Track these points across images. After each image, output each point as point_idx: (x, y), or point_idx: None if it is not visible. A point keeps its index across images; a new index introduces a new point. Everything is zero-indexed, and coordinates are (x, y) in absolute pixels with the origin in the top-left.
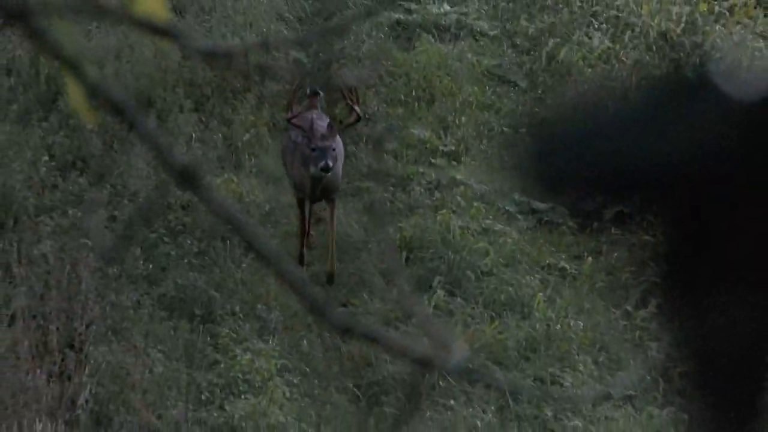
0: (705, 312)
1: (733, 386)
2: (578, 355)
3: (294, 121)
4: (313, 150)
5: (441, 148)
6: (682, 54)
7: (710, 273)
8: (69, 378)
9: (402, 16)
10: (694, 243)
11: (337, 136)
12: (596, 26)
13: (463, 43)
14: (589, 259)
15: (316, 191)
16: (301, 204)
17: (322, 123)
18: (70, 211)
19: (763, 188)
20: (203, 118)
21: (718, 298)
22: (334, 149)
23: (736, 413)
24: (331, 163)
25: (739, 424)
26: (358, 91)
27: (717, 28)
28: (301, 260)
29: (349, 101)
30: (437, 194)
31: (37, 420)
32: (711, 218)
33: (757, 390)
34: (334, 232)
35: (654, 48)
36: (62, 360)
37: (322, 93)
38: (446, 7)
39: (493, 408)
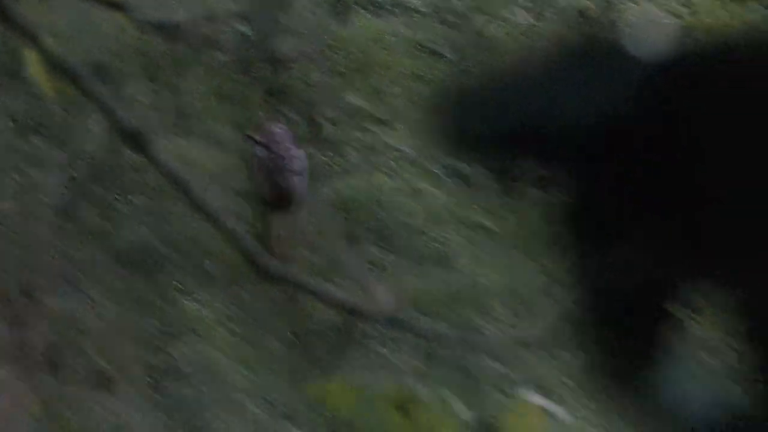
0: (607, 262)
1: (629, 331)
2: (498, 305)
3: (252, 135)
4: (282, 160)
5: (375, 115)
6: (598, 30)
7: (614, 227)
8: (25, 325)
9: None
10: (602, 199)
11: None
12: (521, 4)
13: (397, 19)
14: (510, 217)
15: (282, 201)
16: (266, 215)
17: (282, 134)
18: (31, 172)
19: (667, 145)
20: (155, 88)
21: (619, 249)
22: (296, 159)
23: (633, 357)
24: (300, 177)
25: (636, 367)
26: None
27: (632, 6)
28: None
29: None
30: (371, 158)
31: None
32: (618, 174)
33: (653, 334)
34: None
35: (573, 25)
36: (19, 308)
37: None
38: None
39: (420, 355)
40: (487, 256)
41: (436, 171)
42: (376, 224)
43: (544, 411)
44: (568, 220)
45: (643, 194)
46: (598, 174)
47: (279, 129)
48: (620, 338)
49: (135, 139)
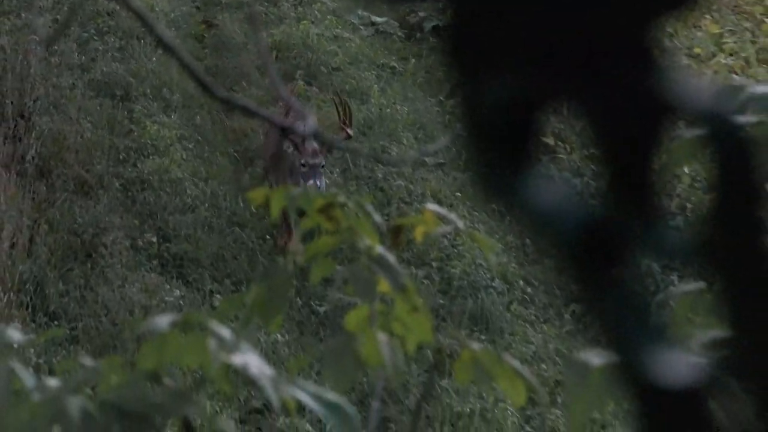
0: (482, 88)
1: (504, 147)
2: (402, 132)
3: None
4: (303, 166)
5: None
6: None
7: (488, 58)
8: (20, 140)
9: None
10: (476, 32)
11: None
12: None
13: None
14: (413, 60)
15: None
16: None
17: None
18: (23, 15)
19: None
20: None
21: (492, 77)
22: (323, 166)
23: (507, 169)
24: (319, 183)
25: (509, 178)
26: (349, 106)
27: None
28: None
29: (342, 123)
30: (300, 8)
31: None
32: (490, 13)
33: (524, 149)
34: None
35: None
36: (15, 126)
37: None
38: None
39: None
40: (393, 91)
41: (353, 21)
42: (304, 63)
43: (440, 216)
44: (449, 54)
45: (511, 27)
46: (471, 15)
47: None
48: (496, 154)
49: None
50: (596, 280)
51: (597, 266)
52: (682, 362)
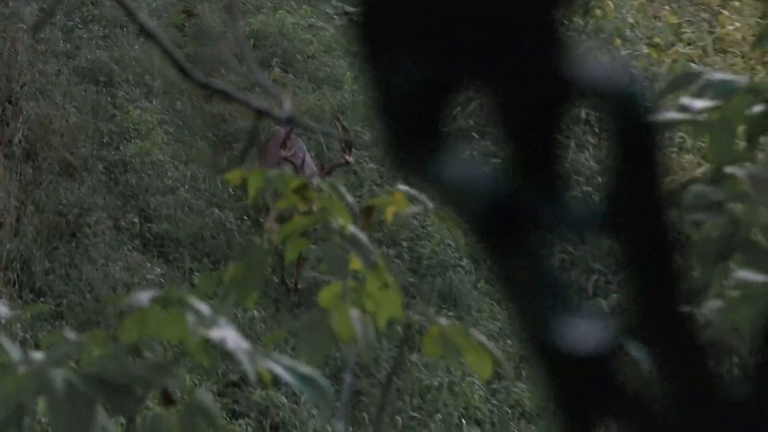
0: (392, 78)
1: (415, 124)
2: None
3: (287, 156)
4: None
5: None
6: None
7: (398, 39)
8: (7, 124)
9: None
10: (385, 24)
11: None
12: None
13: None
14: None
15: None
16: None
17: (310, 161)
18: (10, 3)
19: None
20: None
21: (402, 56)
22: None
23: (419, 145)
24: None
25: (422, 153)
26: (351, 143)
27: None
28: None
29: (343, 151)
30: None
31: None
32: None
33: (433, 125)
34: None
35: None
36: (2, 111)
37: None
38: None
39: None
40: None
41: (328, 10)
42: (280, 51)
43: (410, 197)
44: (360, 41)
45: (417, 14)
46: (379, 3)
47: (298, 141)
48: (409, 136)
49: None
50: (506, 254)
51: (506, 240)
52: (587, 329)
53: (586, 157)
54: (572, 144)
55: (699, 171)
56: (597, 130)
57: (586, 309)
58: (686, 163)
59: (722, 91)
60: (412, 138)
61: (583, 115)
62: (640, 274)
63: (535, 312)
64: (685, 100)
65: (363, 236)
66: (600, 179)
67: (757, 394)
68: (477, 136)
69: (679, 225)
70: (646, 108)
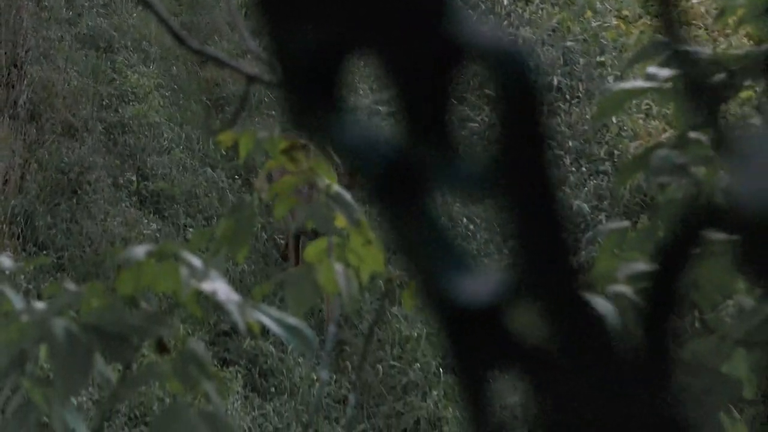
0: (290, 41)
1: (312, 86)
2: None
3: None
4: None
5: None
6: None
7: (292, 11)
8: (12, 87)
9: None
10: None
11: None
12: None
13: None
14: None
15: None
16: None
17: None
18: None
19: None
20: None
21: (297, 28)
22: None
23: (318, 106)
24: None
25: (318, 121)
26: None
27: None
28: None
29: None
30: None
31: None
32: None
33: (330, 89)
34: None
35: None
36: (8, 74)
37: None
38: None
39: None
40: None
41: None
42: None
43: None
44: (259, 5)
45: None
46: None
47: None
48: (306, 94)
49: None
50: (400, 211)
51: (400, 198)
52: (480, 284)
53: (477, 119)
54: (464, 106)
55: (664, 136)
56: (486, 93)
57: (479, 265)
58: (652, 129)
59: (687, 61)
60: (311, 100)
61: (474, 78)
62: (528, 231)
63: (429, 268)
64: (652, 70)
65: (347, 195)
66: (489, 140)
67: (646, 348)
68: (375, 98)
69: (647, 187)
70: (530, 71)
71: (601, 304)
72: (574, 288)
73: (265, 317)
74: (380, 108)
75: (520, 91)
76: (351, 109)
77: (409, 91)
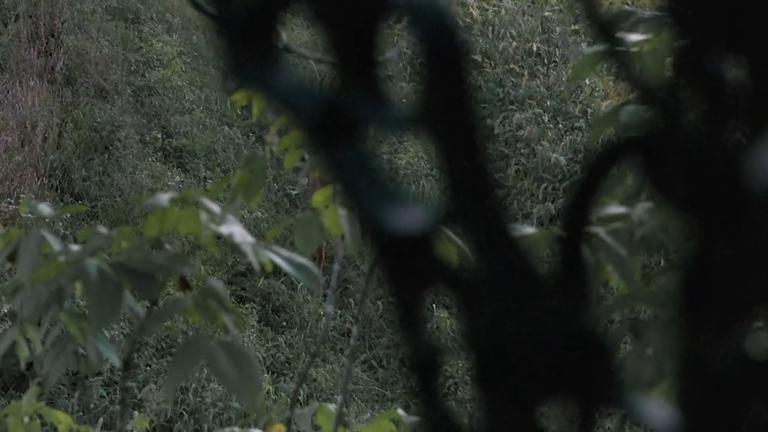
0: None
1: (246, 47)
2: None
3: None
4: None
5: None
6: None
7: None
8: (50, 54)
9: None
10: None
11: None
12: None
13: None
14: None
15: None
16: None
17: None
18: None
19: None
20: None
21: None
22: None
23: (249, 65)
24: None
25: (252, 70)
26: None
27: None
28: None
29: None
30: None
31: (30, 80)
32: None
33: (263, 42)
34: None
35: None
36: (47, 43)
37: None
38: None
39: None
40: None
41: None
42: None
43: None
44: None
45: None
46: None
47: None
48: (242, 48)
49: None
50: (334, 149)
51: (334, 137)
52: (411, 213)
53: (581, 89)
54: (391, 53)
55: (632, 96)
56: (411, 39)
57: (410, 195)
58: (621, 89)
59: (652, 26)
60: (247, 49)
61: (400, 25)
62: (453, 164)
63: (364, 200)
64: (620, 35)
65: None
66: (595, 108)
67: (565, 271)
68: (309, 49)
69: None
70: (450, 20)
71: None
72: (497, 216)
73: (277, 257)
74: (312, 55)
75: (441, 39)
76: (286, 56)
77: (339, 37)
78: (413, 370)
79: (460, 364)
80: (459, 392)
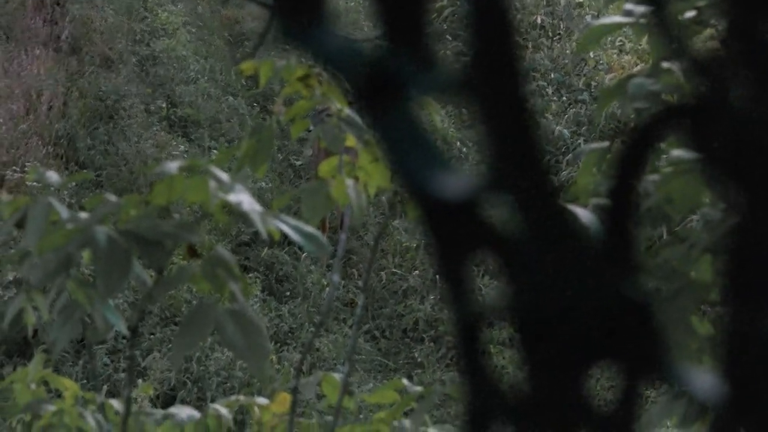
0: None
1: (298, 12)
2: (364, 21)
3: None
4: None
5: None
6: None
7: None
8: (56, 23)
9: None
10: None
11: None
12: None
13: None
14: None
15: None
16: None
17: None
18: None
19: None
20: None
21: None
22: None
23: (300, 28)
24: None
25: (304, 33)
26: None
27: None
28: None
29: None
30: None
31: (35, 48)
32: None
33: (314, 13)
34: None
35: None
36: (52, 12)
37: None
38: None
39: None
40: None
41: None
42: None
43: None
44: None
45: None
46: None
47: None
48: (294, 6)
49: None
50: (382, 113)
51: (382, 101)
52: (457, 177)
53: (585, 62)
54: (439, 18)
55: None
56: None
57: (455, 162)
58: (625, 62)
59: None
60: (300, 13)
61: None
62: (500, 130)
63: (410, 164)
64: (629, 6)
65: (357, 117)
66: (599, 81)
67: (611, 238)
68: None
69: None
70: None
71: (583, 214)
72: (543, 183)
73: (284, 225)
74: (363, 20)
75: (490, 8)
76: (336, 20)
77: (385, 8)
78: (457, 334)
79: (502, 330)
80: (497, 358)
